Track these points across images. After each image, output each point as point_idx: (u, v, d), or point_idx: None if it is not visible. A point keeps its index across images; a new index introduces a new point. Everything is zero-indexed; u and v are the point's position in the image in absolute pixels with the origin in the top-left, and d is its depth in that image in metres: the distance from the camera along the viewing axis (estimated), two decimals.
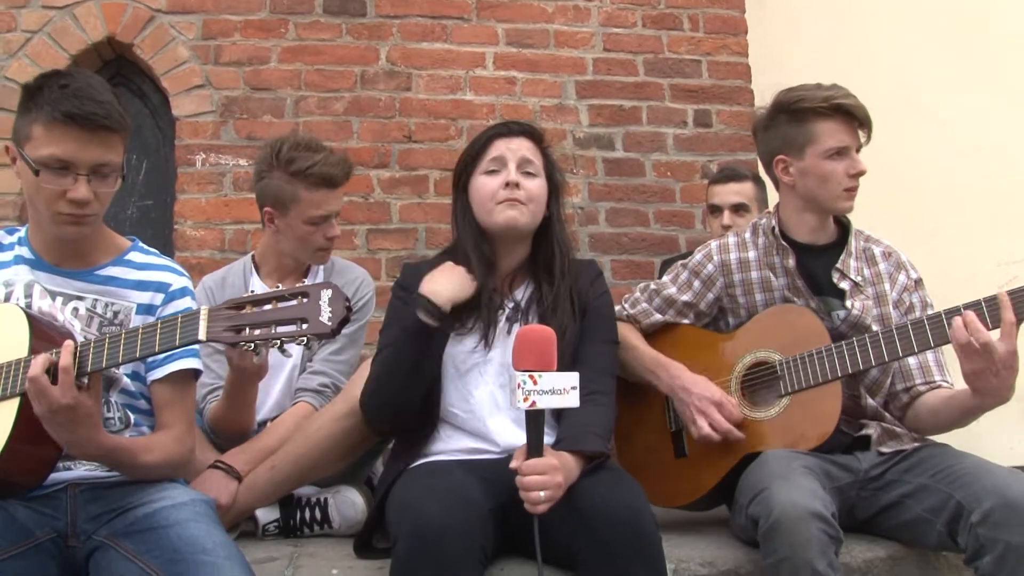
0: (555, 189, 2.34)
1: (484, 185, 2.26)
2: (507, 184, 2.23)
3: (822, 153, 2.37)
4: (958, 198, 4.36)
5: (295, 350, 2.79)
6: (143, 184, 3.94)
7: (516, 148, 2.28)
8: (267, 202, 2.75)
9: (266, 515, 2.52)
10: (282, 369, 2.80)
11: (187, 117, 3.80)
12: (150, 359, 2.02)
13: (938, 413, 2.29)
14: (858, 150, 2.40)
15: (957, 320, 2.04)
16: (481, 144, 2.30)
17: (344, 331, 2.74)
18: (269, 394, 2.78)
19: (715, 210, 3.52)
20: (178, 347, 1.77)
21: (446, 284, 2.15)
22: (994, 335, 2.02)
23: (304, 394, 2.71)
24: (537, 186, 2.27)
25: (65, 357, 1.75)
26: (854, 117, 2.36)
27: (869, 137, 2.41)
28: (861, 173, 2.38)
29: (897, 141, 4.15)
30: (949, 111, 4.45)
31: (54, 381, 1.74)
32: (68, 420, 1.77)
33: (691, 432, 2.36)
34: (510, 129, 2.32)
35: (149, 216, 3.89)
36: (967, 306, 2.07)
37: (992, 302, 2.04)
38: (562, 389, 1.79)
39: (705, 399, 2.32)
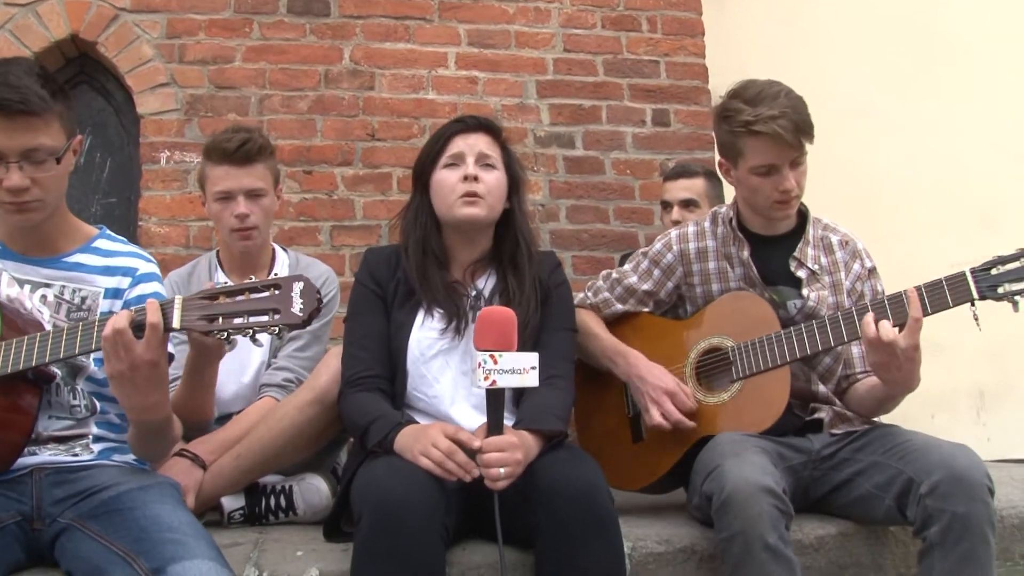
0: (515, 182, 2.39)
1: (444, 179, 2.31)
2: (465, 178, 2.28)
3: (749, 169, 2.38)
4: (912, 200, 4.47)
5: (264, 343, 2.82)
6: (107, 181, 3.94)
7: (474, 143, 2.33)
8: (201, 187, 2.86)
9: (231, 503, 2.54)
10: (250, 365, 2.82)
11: (151, 115, 3.80)
12: None
13: (862, 401, 2.39)
14: (796, 161, 2.36)
15: (867, 316, 2.12)
16: (441, 141, 2.35)
17: (308, 328, 2.80)
18: (238, 390, 2.80)
19: (666, 206, 3.60)
20: None
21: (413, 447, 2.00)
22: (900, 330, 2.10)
23: (269, 389, 2.73)
24: (495, 179, 2.32)
25: (154, 314, 1.75)
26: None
27: (810, 142, 2.36)
28: (788, 191, 2.36)
29: (852, 144, 4.28)
30: (902, 115, 4.57)
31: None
32: (146, 379, 1.77)
33: (645, 419, 2.41)
34: (467, 125, 2.36)
35: (113, 213, 3.88)
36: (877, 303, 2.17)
37: (897, 299, 2.13)
38: (522, 369, 1.84)
39: (659, 388, 2.37)
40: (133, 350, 1.74)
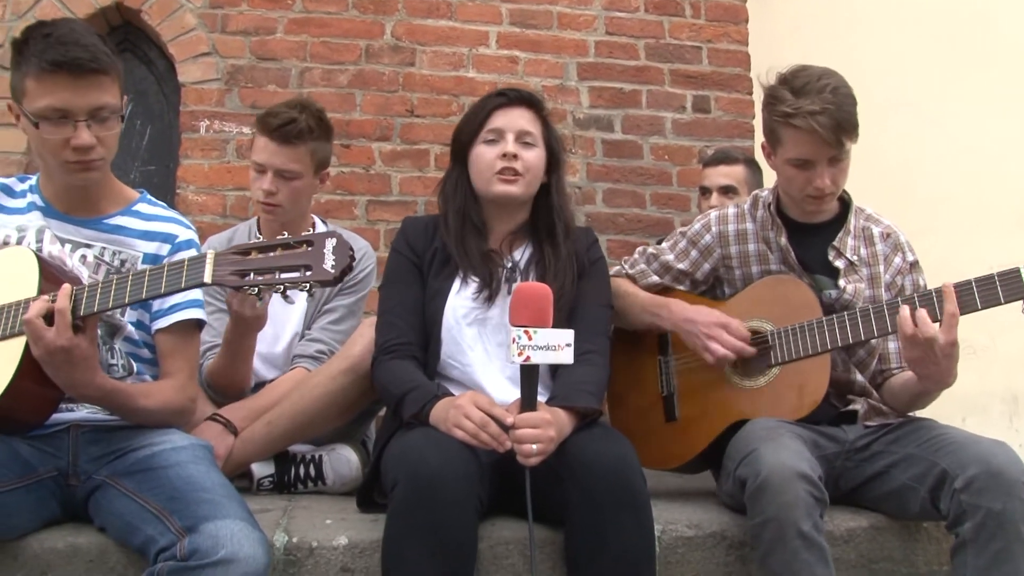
0: (554, 158, 2.37)
1: (482, 155, 2.30)
2: (504, 155, 2.27)
3: (786, 160, 2.33)
4: (948, 199, 4.40)
5: (297, 315, 2.84)
6: (146, 149, 3.98)
7: (514, 119, 2.31)
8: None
9: (261, 470, 2.56)
10: (284, 336, 2.83)
11: (192, 84, 3.83)
12: (155, 308, 2.06)
13: (897, 396, 2.36)
14: (836, 158, 2.29)
15: (904, 310, 2.09)
16: (482, 115, 2.33)
17: (344, 302, 2.83)
18: (271, 359, 2.82)
19: (705, 192, 3.58)
20: (183, 289, 1.78)
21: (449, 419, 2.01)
22: (938, 325, 2.07)
23: (301, 360, 2.75)
24: (535, 156, 2.31)
25: (61, 300, 1.76)
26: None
27: (852, 141, 2.29)
28: (820, 189, 2.31)
29: (889, 139, 4.21)
30: (943, 112, 4.48)
31: (50, 324, 1.76)
32: (64, 362, 1.78)
33: (706, 360, 2.37)
34: (509, 99, 2.34)
35: (152, 181, 3.91)
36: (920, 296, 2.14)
37: (938, 294, 2.10)
38: (556, 345, 1.82)
39: (711, 324, 2.35)
40: (43, 337, 1.75)
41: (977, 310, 2.07)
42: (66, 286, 1.80)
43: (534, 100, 2.37)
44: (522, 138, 2.30)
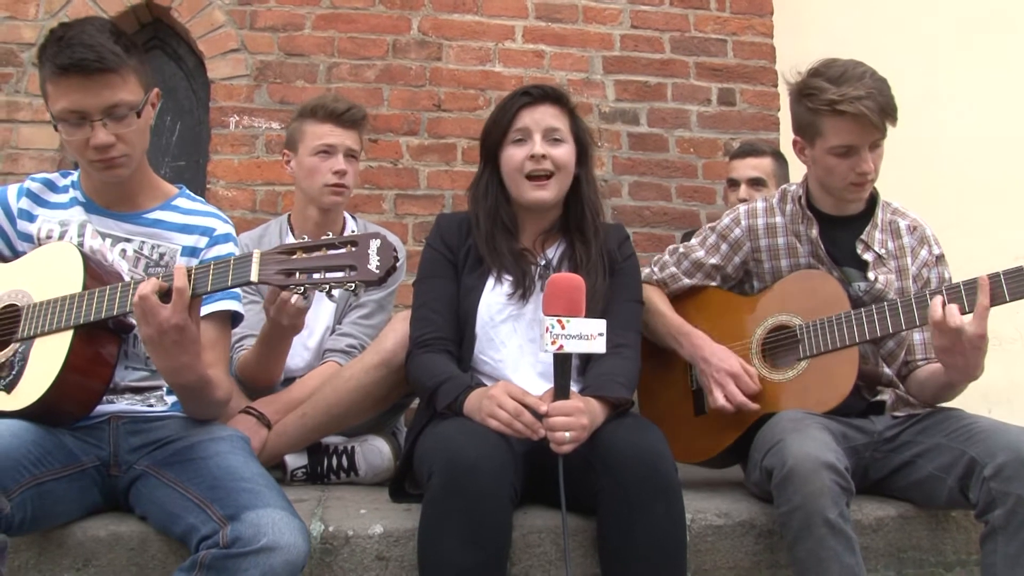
0: (583, 151, 2.38)
1: (512, 157, 2.30)
2: (532, 156, 2.27)
3: (828, 149, 2.34)
4: (976, 192, 4.38)
5: (329, 311, 2.88)
6: (176, 145, 4.03)
7: (540, 117, 2.31)
8: (285, 147, 2.96)
9: (295, 461, 2.60)
10: (316, 331, 2.87)
11: (222, 80, 3.87)
12: None
13: (923, 387, 2.36)
14: (876, 143, 2.33)
15: (936, 299, 2.10)
16: (508, 116, 2.33)
17: (374, 297, 2.87)
18: (303, 354, 2.86)
19: (733, 184, 3.59)
20: (231, 287, 1.80)
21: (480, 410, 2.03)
22: (968, 317, 2.08)
23: (333, 354, 2.79)
24: (564, 153, 2.31)
25: (180, 279, 1.78)
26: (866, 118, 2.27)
27: (893, 125, 2.32)
28: (865, 174, 2.34)
29: (917, 132, 4.18)
30: (970, 105, 4.47)
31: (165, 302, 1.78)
32: (174, 343, 1.80)
33: (709, 401, 2.41)
34: (533, 97, 2.33)
35: (182, 176, 3.96)
36: (950, 288, 2.14)
37: (967, 286, 2.10)
38: (589, 335, 1.85)
39: (723, 371, 2.36)
40: (159, 314, 1.77)
41: (1005, 302, 2.08)
42: (181, 266, 1.81)
43: (559, 95, 2.36)
44: (550, 135, 2.30)
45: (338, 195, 2.88)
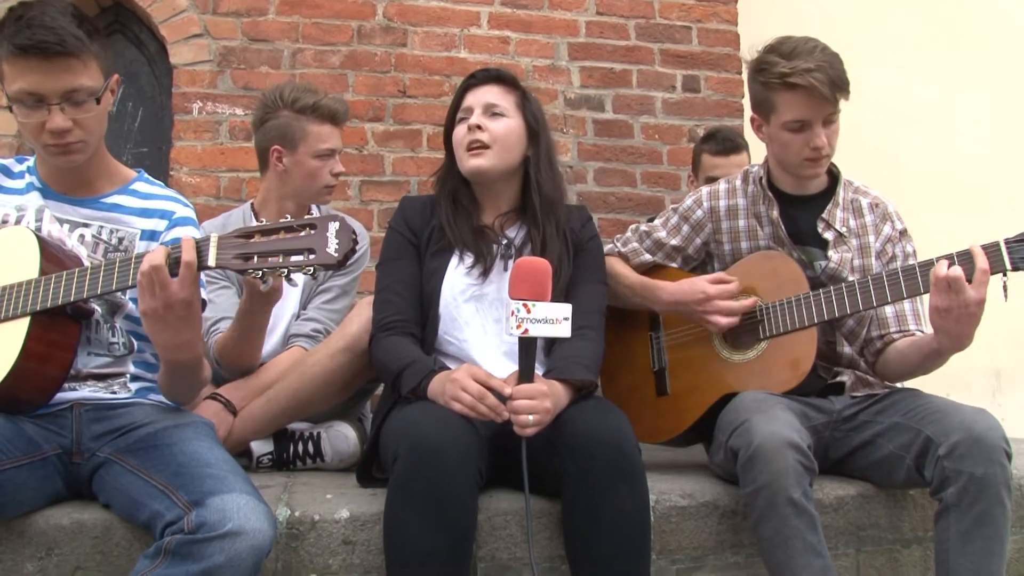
0: (532, 130, 2.38)
1: (456, 134, 2.36)
2: (469, 128, 2.31)
3: (782, 124, 2.36)
4: (938, 181, 4.46)
5: (295, 296, 2.86)
6: (139, 131, 3.98)
7: (482, 95, 2.35)
8: (275, 141, 2.85)
9: (260, 448, 2.59)
10: (282, 317, 2.85)
11: (184, 65, 3.82)
12: None
13: (905, 356, 2.36)
14: (830, 118, 2.34)
15: (942, 261, 2.09)
16: (456, 98, 2.40)
17: (338, 282, 2.85)
18: (270, 340, 2.81)
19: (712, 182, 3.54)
20: None
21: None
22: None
23: (298, 339, 2.78)
24: (503, 127, 2.32)
25: (189, 252, 1.75)
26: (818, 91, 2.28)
27: (846, 99, 2.34)
28: (819, 149, 2.35)
29: (880, 121, 4.26)
30: (932, 95, 4.55)
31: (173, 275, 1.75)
32: (179, 318, 1.77)
33: (712, 331, 2.44)
34: (477, 79, 2.39)
35: (144, 163, 3.87)
36: (942, 257, 2.13)
37: (965, 254, 2.10)
38: (554, 319, 1.86)
39: (701, 301, 2.41)
40: (168, 287, 1.74)
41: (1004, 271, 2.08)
42: (189, 238, 1.77)
43: (503, 75, 2.41)
44: (489, 110, 2.33)
45: (331, 194, 2.98)
